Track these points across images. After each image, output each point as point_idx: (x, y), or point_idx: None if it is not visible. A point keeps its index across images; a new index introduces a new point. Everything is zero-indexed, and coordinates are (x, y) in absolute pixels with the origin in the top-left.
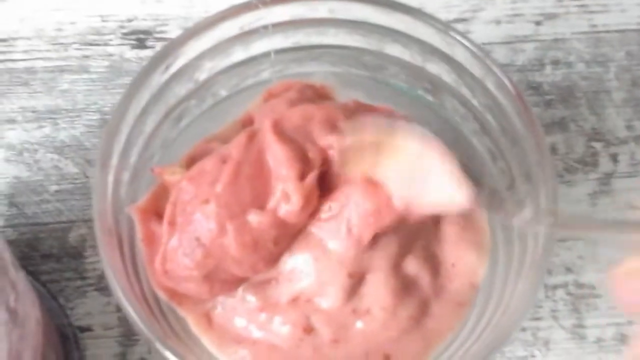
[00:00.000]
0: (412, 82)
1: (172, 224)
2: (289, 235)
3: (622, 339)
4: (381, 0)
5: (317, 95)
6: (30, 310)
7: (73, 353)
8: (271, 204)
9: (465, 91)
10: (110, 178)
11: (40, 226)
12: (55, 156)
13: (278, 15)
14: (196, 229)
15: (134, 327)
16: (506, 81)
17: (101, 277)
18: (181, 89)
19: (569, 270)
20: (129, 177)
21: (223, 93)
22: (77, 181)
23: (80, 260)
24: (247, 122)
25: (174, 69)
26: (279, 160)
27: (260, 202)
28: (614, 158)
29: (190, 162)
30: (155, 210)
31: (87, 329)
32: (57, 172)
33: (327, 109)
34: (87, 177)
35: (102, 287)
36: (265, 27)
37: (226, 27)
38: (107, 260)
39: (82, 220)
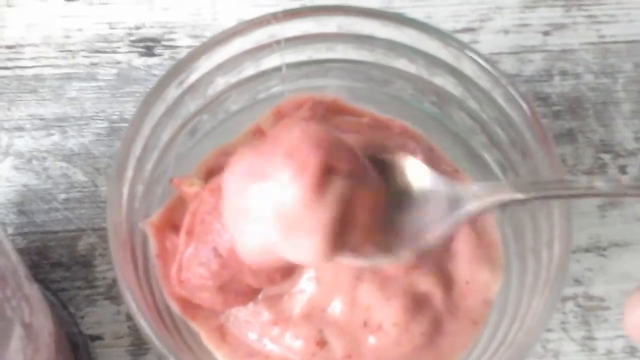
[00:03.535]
0: (418, 96)
1: (190, 233)
2: None
3: (632, 351)
4: (387, 15)
5: (328, 111)
6: (44, 322)
7: None
8: None
9: (472, 104)
10: (125, 190)
11: (50, 234)
12: (64, 164)
13: (289, 30)
14: (214, 240)
15: (148, 341)
16: (515, 94)
17: (111, 285)
18: (194, 104)
19: (578, 282)
20: (143, 190)
21: (234, 107)
22: (86, 190)
23: (90, 268)
24: (257, 134)
25: (187, 83)
26: None
27: None
28: (623, 170)
29: (207, 173)
30: (170, 223)
31: (98, 337)
32: (65, 180)
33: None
34: (95, 185)
35: (112, 296)
36: (278, 42)
37: (238, 42)
38: (121, 273)
39: (91, 229)
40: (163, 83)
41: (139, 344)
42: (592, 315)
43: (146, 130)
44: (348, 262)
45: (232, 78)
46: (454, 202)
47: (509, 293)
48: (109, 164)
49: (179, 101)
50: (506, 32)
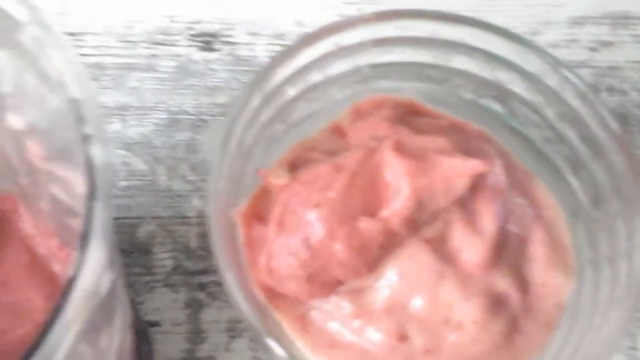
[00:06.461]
0: (478, 92)
1: (281, 224)
2: (395, 243)
3: None
4: (452, 16)
5: (407, 112)
6: (126, 304)
7: (142, 346)
8: (385, 213)
9: (538, 99)
10: (222, 184)
11: None
12: (125, 152)
13: (374, 33)
14: (305, 230)
15: (247, 323)
16: (587, 91)
17: (169, 273)
18: (270, 112)
19: None
20: (234, 183)
21: (314, 106)
22: (146, 178)
23: (149, 255)
24: (336, 131)
25: (266, 93)
26: (399, 174)
27: (371, 211)
28: None
29: (289, 166)
30: (256, 213)
31: (156, 324)
32: (126, 168)
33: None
34: (154, 174)
35: (170, 284)
36: (363, 44)
37: (322, 45)
38: (224, 260)
39: (150, 217)
40: (250, 91)
41: (196, 332)
42: (636, 325)
43: (238, 131)
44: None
45: (300, 88)
46: None
47: (581, 299)
48: (168, 154)
49: (259, 110)
50: (555, 46)
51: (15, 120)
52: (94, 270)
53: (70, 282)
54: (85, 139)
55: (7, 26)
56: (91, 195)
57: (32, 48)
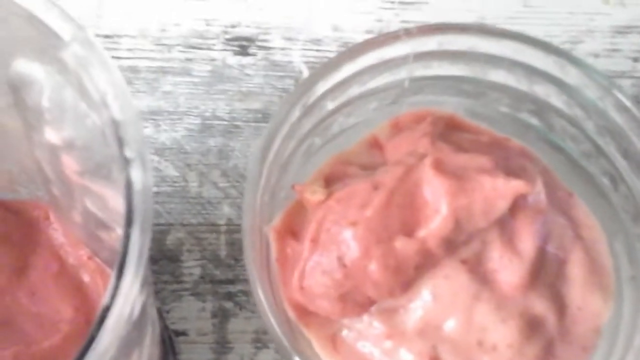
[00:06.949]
0: (515, 106)
1: (315, 241)
2: (431, 263)
3: None
4: (494, 30)
5: (447, 127)
6: (155, 315)
7: (168, 356)
8: (422, 233)
9: (577, 112)
10: (258, 198)
11: None
12: (156, 157)
13: (416, 46)
14: (339, 249)
15: (276, 341)
16: (628, 104)
17: (197, 282)
18: (308, 125)
19: None
20: (269, 197)
21: (351, 121)
22: (177, 184)
23: (177, 263)
24: (374, 144)
25: (307, 106)
26: (438, 194)
27: (408, 230)
28: None
29: (325, 181)
30: (290, 229)
31: (182, 333)
32: (157, 173)
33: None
34: (186, 181)
35: (198, 292)
36: (406, 57)
37: (362, 60)
38: (256, 275)
39: (180, 224)
40: (291, 104)
41: (222, 342)
42: None
43: (275, 146)
44: None
45: (339, 102)
46: None
47: (620, 321)
48: (200, 160)
49: (297, 123)
50: (596, 55)
51: (52, 135)
52: (128, 297)
53: (105, 311)
54: (126, 162)
55: (50, 43)
56: (129, 221)
57: (74, 66)
